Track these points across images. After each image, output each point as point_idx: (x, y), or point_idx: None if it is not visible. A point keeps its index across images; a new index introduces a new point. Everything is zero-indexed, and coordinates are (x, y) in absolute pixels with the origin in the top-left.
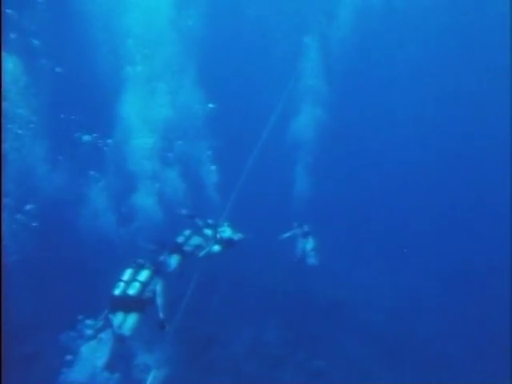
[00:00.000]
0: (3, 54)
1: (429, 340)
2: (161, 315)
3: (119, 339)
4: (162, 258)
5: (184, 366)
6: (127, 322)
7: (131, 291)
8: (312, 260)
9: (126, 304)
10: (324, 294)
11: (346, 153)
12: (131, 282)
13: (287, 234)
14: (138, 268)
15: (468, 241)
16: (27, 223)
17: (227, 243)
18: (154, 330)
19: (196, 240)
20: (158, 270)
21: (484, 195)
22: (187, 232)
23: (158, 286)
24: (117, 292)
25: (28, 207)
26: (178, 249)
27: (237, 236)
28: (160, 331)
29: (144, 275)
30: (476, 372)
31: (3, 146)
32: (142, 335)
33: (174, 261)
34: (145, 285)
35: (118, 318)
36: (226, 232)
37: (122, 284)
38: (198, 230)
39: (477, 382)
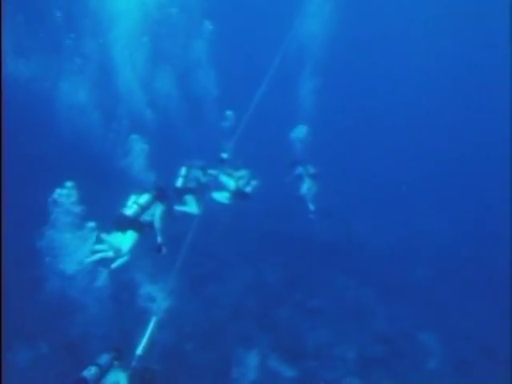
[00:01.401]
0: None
1: (426, 281)
2: (158, 239)
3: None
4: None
5: (185, 299)
6: (124, 242)
7: (128, 212)
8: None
9: (123, 225)
10: (324, 236)
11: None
12: (131, 204)
13: (292, 175)
14: (141, 192)
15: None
16: None
17: (240, 195)
18: (156, 259)
19: (194, 173)
20: (160, 195)
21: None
22: (183, 171)
23: (158, 211)
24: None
25: None
26: (183, 191)
27: (249, 188)
28: (156, 254)
29: (144, 199)
30: (470, 314)
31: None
32: (145, 266)
33: (191, 202)
34: (143, 208)
35: (114, 238)
36: (244, 177)
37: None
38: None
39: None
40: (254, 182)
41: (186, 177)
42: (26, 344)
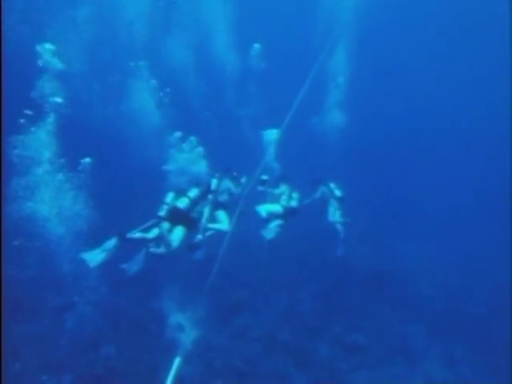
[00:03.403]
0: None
1: (480, 317)
2: (199, 236)
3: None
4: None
5: (214, 330)
6: (174, 233)
7: (180, 205)
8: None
9: (175, 216)
10: (365, 264)
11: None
12: (181, 197)
13: (312, 197)
14: (180, 191)
15: None
16: None
17: (290, 213)
18: (186, 288)
19: (225, 184)
20: (208, 192)
21: None
22: (213, 184)
23: (206, 209)
24: (162, 214)
25: None
26: (214, 207)
27: (294, 202)
28: (188, 250)
29: (194, 192)
30: None
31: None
32: (174, 294)
33: (222, 219)
34: (193, 202)
35: (157, 230)
36: (285, 192)
37: (165, 207)
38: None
39: None
40: (295, 195)
41: (216, 191)
42: (51, 377)
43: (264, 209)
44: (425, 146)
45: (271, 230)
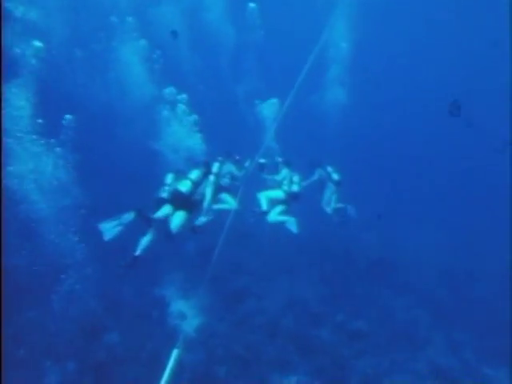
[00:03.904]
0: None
1: (482, 302)
2: (201, 219)
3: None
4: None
5: (217, 317)
6: (174, 218)
7: (183, 188)
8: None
9: (177, 200)
10: (367, 251)
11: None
12: (182, 179)
13: (310, 180)
14: (180, 173)
15: None
16: None
17: (292, 198)
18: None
19: (227, 168)
20: (209, 172)
21: None
22: (215, 167)
23: (208, 190)
24: (164, 195)
25: None
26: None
27: (296, 186)
28: (191, 232)
29: (195, 174)
30: None
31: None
32: (175, 281)
33: (227, 199)
34: (196, 184)
35: (164, 211)
36: (286, 177)
37: (166, 188)
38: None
39: None
40: (295, 179)
41: (218, 174)
42: (55, 364)
43: (265, 196)
44: (428, 132)
45: (293, 223)
